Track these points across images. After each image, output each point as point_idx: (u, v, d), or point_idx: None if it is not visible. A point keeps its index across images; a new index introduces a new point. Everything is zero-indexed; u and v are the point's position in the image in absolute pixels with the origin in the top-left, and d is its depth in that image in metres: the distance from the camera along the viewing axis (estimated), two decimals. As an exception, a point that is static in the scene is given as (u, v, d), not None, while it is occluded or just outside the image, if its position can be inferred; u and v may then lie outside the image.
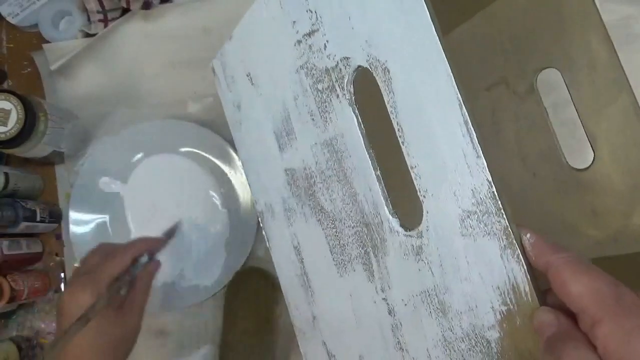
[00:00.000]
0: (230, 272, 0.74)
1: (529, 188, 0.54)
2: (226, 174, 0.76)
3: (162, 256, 0.75)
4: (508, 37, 0.53)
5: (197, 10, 0.79)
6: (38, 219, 0.73)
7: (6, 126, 0.65)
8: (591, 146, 0.48)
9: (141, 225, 0.77)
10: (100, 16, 0.76)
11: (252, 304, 0.73)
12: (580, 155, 0.50)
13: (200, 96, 0.79)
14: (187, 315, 0.76)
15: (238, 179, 0.76)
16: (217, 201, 0.77)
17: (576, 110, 0.48)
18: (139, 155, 0.78)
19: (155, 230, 0.76)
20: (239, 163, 0.74)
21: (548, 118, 0.52)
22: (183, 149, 0.77)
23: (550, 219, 0.53)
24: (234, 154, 0.75)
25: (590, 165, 0.49)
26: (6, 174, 0.71)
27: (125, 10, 0.78)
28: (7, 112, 0.65)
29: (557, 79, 0.49)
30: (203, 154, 0.77)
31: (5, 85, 0.82)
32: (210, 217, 0.76)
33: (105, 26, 0.77)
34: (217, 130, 0.76)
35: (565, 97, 0.49)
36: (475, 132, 0.30)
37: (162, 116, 0.78)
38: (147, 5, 0.77)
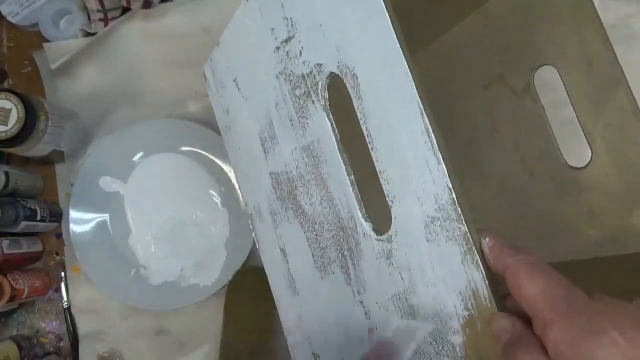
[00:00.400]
0: (231, 272, 0.74)
1: (527, 187, 0.54)
2: (226, 173, 0.76)
3: (162, 254, 0.76)
4: (504, 35, 0.53)
5: (197, 10, 0.79)
6: (38, 218, 0.73)
7: (6, 125, 0.65)
8: (588, 144, 0.48)
9: (141, 224, 0.77)
10: (101, 15, 0.76)
11: (252, 303, 0.73)
12: (577, 154, 0.50)
13: (200, 95, 0.79)
14: (187, 314, 0.76)
15: (238, 178, 0.76)
16: (217, 200, 0.77)
17: (573, 108, 0.48)
18: (140, 155, 0.78)
19: (155, 230, 0.76)
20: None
21: (546, 116, 0.52)
22: (183, 148, 0.77)
23: (548, 218, 0.53)
24: (233, 153, 0.75)
25: (587, 164, 0.48)
26: (6, 173, 0.72)
27: (125, 9, 0.78)
28: (8, 111, 0.66)
29: (555, 77, 0.49)
30: (203, 153, 0.77)
31: (5, 85, 0.82)
32: (211, 216, 0.76)
33: (106, 25, 0.77)
34: (217, 129, 0.75)
35: (563, 95, 0.48)
36: (436, 139, 0.30)
37: (162, 115, 0.78)
38: (147, 5, 0.77)
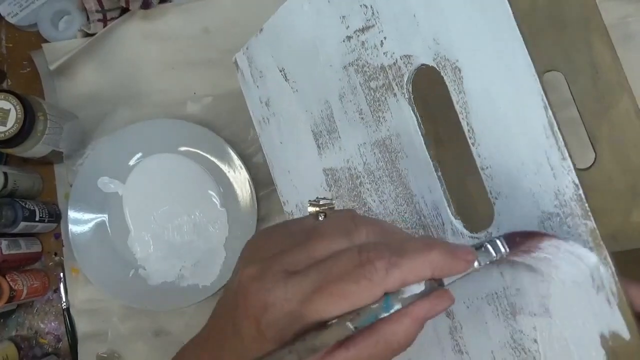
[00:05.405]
0: (230, 272, 0.73)
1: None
2: (225, 173, 0.76)
3: (161, 255, 0.76)
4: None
5: (196, 10, 0.79)
6: (37, 218, 0.73)
7: (5, 126, 0.65)
8: (592, 146, 0.48)
9: (140, 225, 0.77)
10: (100, 16, 0.76)
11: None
12: (581, 156, 0.50)
13: (199, 96, 0.79)
14: (186, 315, 0.76)
15: (237, 178, 0.76)
16: (216, 200, 0.77)
17: (578, 112, 0.48)
18: (138, 155, 0.78)
19: (153, 230, 0.76)
20: (238, 162, 0.75)
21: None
22: (182, 149, 0.77)
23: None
24: (233, 153, 0.75)
25: (590, 166, 0.49)
26: (5, 174, 0.71)
27: (124, 10, 0.78)
28: (6, 112, 0.65)
29: (556, 78, 0.49)
30: (202, 153, 0.77)
31: (4, 85, 0.82)
32: (210, 216, 0.76)
33: (105, 26, 0.77)
34: (216, 129, 0.76)
35: (565, 95, 0.49)
36: (561, 134, 0.29)
37: (161, 116, 0.78)
38: (146, 5, 0.77)
